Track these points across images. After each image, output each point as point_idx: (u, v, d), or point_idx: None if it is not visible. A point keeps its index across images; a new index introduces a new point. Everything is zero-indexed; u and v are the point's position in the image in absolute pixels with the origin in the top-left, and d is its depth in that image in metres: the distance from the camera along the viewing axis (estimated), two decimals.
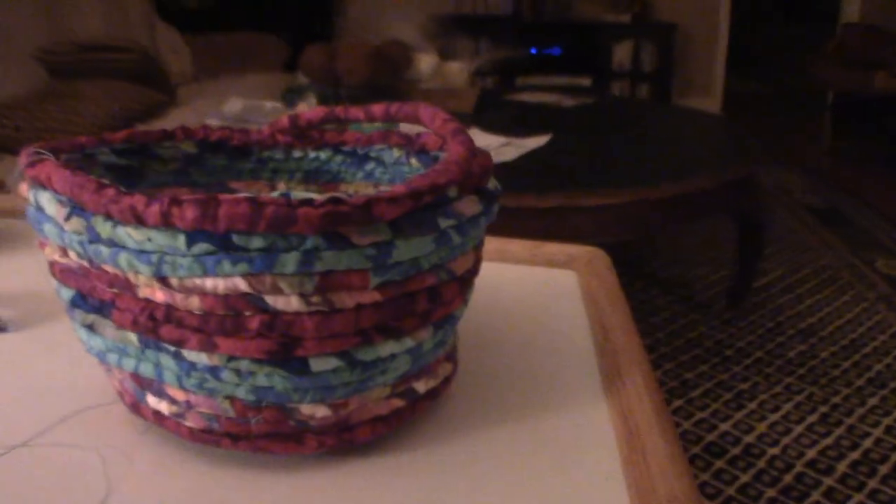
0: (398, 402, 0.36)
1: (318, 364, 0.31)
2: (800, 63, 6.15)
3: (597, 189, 1.69)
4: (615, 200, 1.67)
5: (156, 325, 0.32)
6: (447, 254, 0.33)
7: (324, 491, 0.33)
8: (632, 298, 2.32)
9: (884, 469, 1.56)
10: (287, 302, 0.30)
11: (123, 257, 0.30)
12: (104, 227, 0.30)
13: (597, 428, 0.37)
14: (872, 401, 1.81)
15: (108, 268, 0.32)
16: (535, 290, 0.54)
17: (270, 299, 0.30)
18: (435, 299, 0.33)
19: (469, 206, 0.33)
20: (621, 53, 5.01)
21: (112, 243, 0.31)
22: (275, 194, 0.48)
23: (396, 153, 0.46)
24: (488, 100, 2.81)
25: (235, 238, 0.28)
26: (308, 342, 0.31)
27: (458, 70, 2.93)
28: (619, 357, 0.42)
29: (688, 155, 2.10)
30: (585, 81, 4.98)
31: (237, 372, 0.31)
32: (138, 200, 0.29)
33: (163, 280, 0.30)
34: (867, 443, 1.65)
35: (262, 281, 0.29)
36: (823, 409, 1.78)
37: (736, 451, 1.62)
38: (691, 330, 2.17)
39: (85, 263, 0.33)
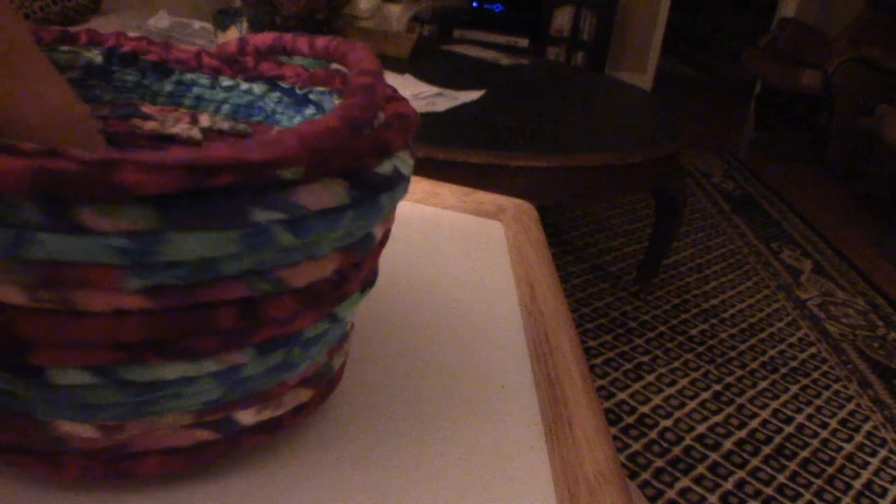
0: (206, 434, 0.26)
1: (62, 377, 0.23)
2: (735, 53, 6.28)
3: (525, 151, 1.68)
4: (542, 164, 1.66)
5: None
6: (274, 257, 0.23)
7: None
8: None
9: (767, 450, 1.63)
10: (5, 292, 0.20)
11: None
12: None
13: (521, 393, 0.35)
14: (763, 384, 1.88)
15: None
16: (462, 238, 0.52)
17: None
18: (251, 316, 0.24)
19: (320, 195, 0.23)
20: (562, 18, 4.99)
21: None
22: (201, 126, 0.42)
23: (337, 100, 0.37)
24: (425, 48, 2.75)
25: None
26: (42, 348, 0.22)
27: (398, 13, 2.86)
28: (546, 319, 0.41)
29: (617, 127, 2.11)
30: (523, 42, 4.95)
31: None
32: None
33: None
34: (754, 423, 1.72)
35: None
36: (717, 387, 1.84)
37: (630, 419, 1.66)
38: (599, 299, 2.21)
39: None
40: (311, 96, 0.38)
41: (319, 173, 0.23)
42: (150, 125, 0.40)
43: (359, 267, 0.27)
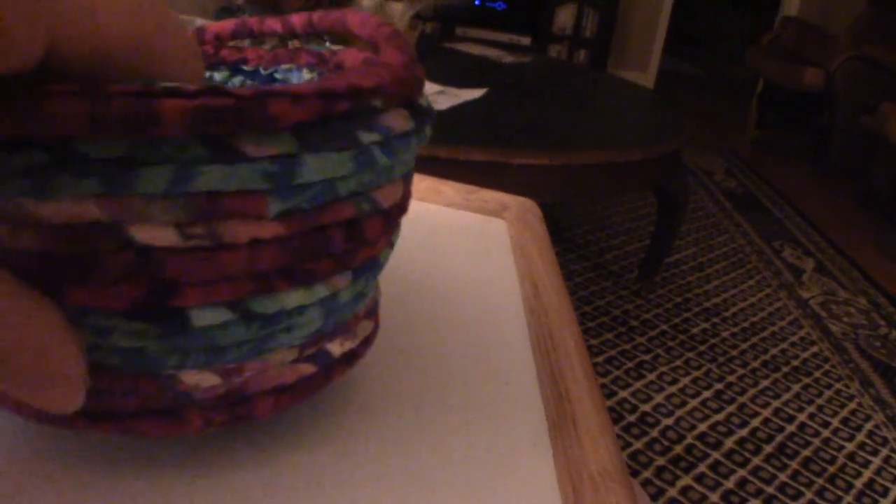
0: (307, 368, 0.28)
1: (201, 317, 0.24)
2: (737, 51, 6.27)
3: (527, 149, 1.68)
4: (544, 162, 1.66)
5: None
6: (371, 178, 0.26)
7: (212, 481, 0.27)
8: None
9: (768, 448, 1.63)
10: (157, 234, 0.22)
11: None
12: None
13: (525, 390, 0.35)
14: (765, 382, 1.88)
15: None
16: (465, 235, 0.52)
17: (135, 230, 0.21)
18: (355, 236, 0.26)
19: (398, 120, 0.26)
20: (564, 16, 4.99)
21: None
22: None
23: (307, 75, 0.37)
24: (427, 46, 2.74)
25: (81, 144, 0.20)
26: (187, 288, 0.23)
27: (400, 10, 2.85)
28: (550, 317, 0.40)
29: (619, 125, 2.11)
30: (525, 40, 4.95)
31: (93, 330, 0.23)
32: None
33: None
34: (756, 422, 1.71)
35: (122, 204, 0.21)
36: (719, 386, 1.84)
37: (632, 418, 1.66)
38: (600, 298, 2.20)
39: None
40: (277, 75, 0.39)
41: (392, 103, 0.27)
42: None
43: (409, 196, 0.31)
